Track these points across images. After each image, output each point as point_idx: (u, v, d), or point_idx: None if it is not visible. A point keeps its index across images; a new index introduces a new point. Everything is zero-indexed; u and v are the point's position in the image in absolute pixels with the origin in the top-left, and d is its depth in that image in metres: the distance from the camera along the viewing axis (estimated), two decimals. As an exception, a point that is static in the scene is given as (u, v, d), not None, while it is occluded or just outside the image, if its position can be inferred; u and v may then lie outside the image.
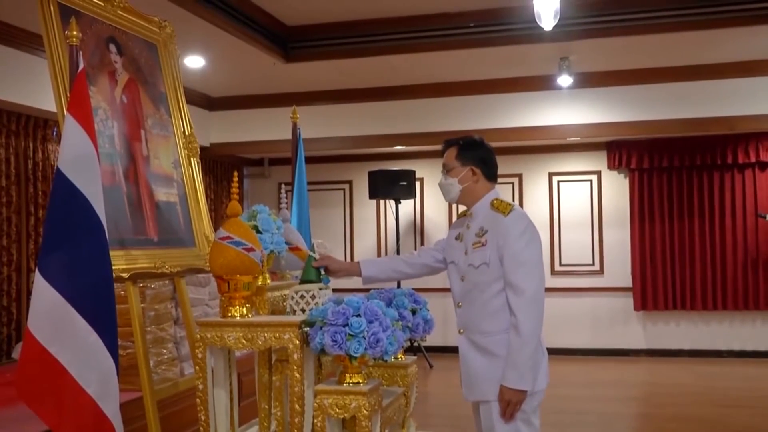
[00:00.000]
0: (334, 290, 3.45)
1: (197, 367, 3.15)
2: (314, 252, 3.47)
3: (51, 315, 2.67)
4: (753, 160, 8.82)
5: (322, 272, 3.43)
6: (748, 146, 8.79)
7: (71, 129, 2.77)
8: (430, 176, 9.68)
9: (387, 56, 7.17)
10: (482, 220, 3.14)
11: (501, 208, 3.10)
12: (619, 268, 9.30)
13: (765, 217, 8.58)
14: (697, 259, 9.04)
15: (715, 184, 9.04)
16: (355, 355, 2.91)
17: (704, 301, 9.01)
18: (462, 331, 3.17)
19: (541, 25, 5.36)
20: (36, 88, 5.88)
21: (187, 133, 4.11)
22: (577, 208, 9.44)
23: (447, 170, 3.23)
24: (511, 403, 2.96)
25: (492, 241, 3.06)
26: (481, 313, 3.08)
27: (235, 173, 3.64)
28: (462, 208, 3.35)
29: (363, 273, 3.47)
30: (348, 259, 9.96)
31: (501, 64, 7.62)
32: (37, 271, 2.71)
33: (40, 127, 6.55)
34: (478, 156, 3.20)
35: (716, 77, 7.87)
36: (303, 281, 3.41)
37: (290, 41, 7.11)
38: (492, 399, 3.02)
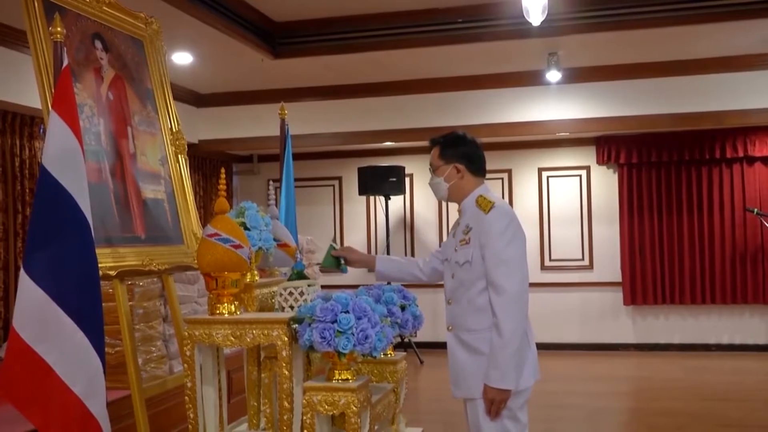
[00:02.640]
0: (323, 287, 3.45)
1: (186, 365, 3.14)
2: (335, 243, 3.55)
3: (37, 313, 2.65)
4: (741, 154, 8.86)
5: (342, 261, 3.50)
6: (735, 141, 8.83)
7: (56, 126, 2.75)
8: (419, 172, 9.68)
9: (375, 52, 7.15)
10: (469, 218, 3.13)
11: (483, 205, 3.08)
12: (609, 263, 9.33)
13: (753, 212, 8.62)
14: (685, 254, 9.08)
15: (704, 179, 9.07)
16: (344, 351, 2.91)
17: (693, 295, 9.06)
18: (450, 328, 3.16)
19: (530, 20, 5.36)
20: (22, 85, 5.83)
21: (174, 130, 4.09)
22: (567, 203, 9.46)
23: (433, 169, 3.24)
24: (494, 401, 2.95)
25: (475, 239, 3.05)
26: (467, 311, 3.08)
27: (223, 170, 3.63)
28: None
29: (377, 267, 3.50)
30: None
31: (489, 59, 7.62)
32: (22, 269, 2.69)
33: (27, 125, 6.50)
34: (460, 152, 3.19)
35: (704, 72, 7.88)
36: (323, 267, 3.57)
37: (278, 37, 7.08)
38: (478, 396, 3.01)
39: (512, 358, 2.93)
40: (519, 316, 2.95)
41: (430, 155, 3.26)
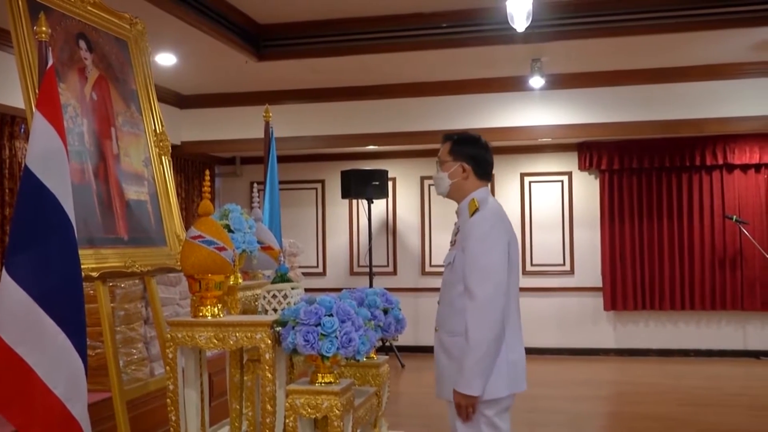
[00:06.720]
0: (306, 290, 3.45)
1: (168, 367, 3.13)
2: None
3: (18, 315, 2.63)
4: (721, 162, 8.95)
5: None
6: (716, 148, 8.93)
7: (40, 126, 2.73)
8: (402, 176, 9.70)
9: (360, 56, 7.16)
10: (461, 220, 3.16)
11: (470, 209, 3.10)
12: (590, 268, 9.38)
13: (732, 219, 8.71)
14: (665, 260, 9.15)
15: (684, 186, 9.16)
16: (328, 354, 2.91)
17: (672, 301, 9.13)
18: (437, 328, 3.17)
19: (514, 26, 5.39)
20: (3, 84, 5.78)
21: (158, 131, 4.08)
22: (548, 208, 9.51)
23: (440, 164, 3.22)
24: (461, 406, 2.94)
25: (459, 242, 3.07)
26: (449, 312, 3.09)
27: (207, 172, 3.62)
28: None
29: None
30: (320, 259, 9.95)
31: (473, 64, 7.65)
32: (4, 270, 2.67)
33: (8, 124, 6.44)
34: (470, 153, 3.18)
35: (686, 80, 7.97)
36: None
37: (263, 39, 7.07)
38: (452, 399, 3.02)
39: (477, 365, 2.90)
40: (487, 323, 2.90)
41: (440, 149, 3.24)
